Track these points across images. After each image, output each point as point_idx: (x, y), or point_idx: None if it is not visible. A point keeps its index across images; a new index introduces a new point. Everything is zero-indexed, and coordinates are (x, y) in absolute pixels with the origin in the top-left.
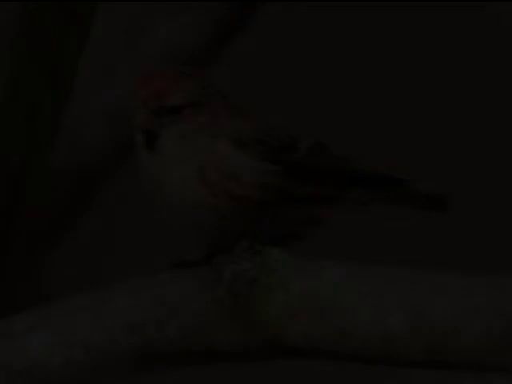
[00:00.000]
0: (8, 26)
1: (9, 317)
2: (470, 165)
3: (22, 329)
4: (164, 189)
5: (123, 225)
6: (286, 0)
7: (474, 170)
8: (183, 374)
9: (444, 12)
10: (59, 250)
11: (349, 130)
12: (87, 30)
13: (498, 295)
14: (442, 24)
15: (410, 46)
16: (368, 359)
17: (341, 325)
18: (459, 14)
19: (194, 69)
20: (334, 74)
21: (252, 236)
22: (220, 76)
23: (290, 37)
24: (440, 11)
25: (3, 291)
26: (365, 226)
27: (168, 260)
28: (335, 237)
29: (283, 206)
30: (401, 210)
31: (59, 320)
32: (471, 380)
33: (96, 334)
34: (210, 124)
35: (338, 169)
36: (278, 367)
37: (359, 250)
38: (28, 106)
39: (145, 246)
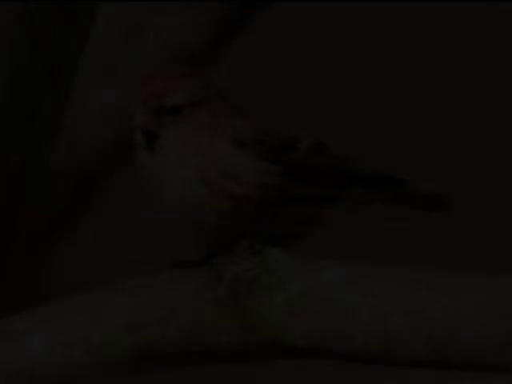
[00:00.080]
0: (8, 26)
1: (9, 317)
2: (469, 165)
3: (22, 329)
4: (164, 189)
5: (123, 225)
6: (286, 0)
7: (474, 169)
8: (183, 374)
9: (444, 12)
10: (59, 249)
11: (349, 130)
12: (87, 29)
13: (498, 295)
14: (442, 24)
15: (410, 46)
16: (368, 359)
17: (341, 325)
18: (459, 14)
19: (194, 69)
20: (334, 74)
21: (252, 236)
22: (220, 76)
23: (290, 37)
24: (440, 11)
25: (3, 291)
26: (365, 226)
27: (168, 260)
28: (335, 237)
29: (283, 206)
30: (401, 210)
31: (59, 320)
32: (471, 380)
33: (96, 334)
34: (210, 124)
35: (338, 169)
36: (277, 367)
37: (359, 250)
38: (28, 106)
39: (145, 246)
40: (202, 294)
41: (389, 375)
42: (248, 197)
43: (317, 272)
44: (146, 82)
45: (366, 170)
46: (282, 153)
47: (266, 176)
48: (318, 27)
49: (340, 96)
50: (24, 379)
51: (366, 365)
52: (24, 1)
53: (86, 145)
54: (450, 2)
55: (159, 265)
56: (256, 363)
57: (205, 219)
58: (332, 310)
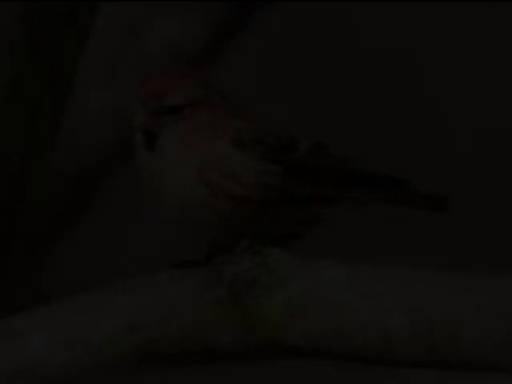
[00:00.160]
0: (8, 26)
1: (9, 317)
2: (469, 165)
3: (22, 329)
4: (164, 189)
5: (123, 225)
6: (286, 0)
7: (474, 169)
8: (183, 374)
9: (444, 12)
10: (59, 249)
11: (349, 130)
12: (87, 29)
13: (498, 295)
14: (442, 24)
15: (410, 46)
16: (368, 359)
17: (341, 325)
18: (459, 14)
19: (194, 69)
20: (334, 74)
21: (252, 236)
22: (220, 76)
23: (290, 37)
24: (440, 11)
25: (3, 291)
26: (365, 226)
27: (168, 260)
28: (335, 237)
29: (283, 205)
30: (401, 210)
31: (59, 320)
32: (471, 380)
33: (96, 334)
34: (210, 124)
35: (338, 169)
36: (277, 367)
37: (359, 250)
38: (28, 106)
39: (145, 246)
40: (202, 294)
41: (389, 375)
42: (248, 197)
43: (317, 272)
44: (146, 82)
45: (366, 170)
46: (282, 153)
47: (266, 176)
48: (318, 27)
49: (340, 96)
50: (24, 379)
51: (366, 365)
52: (24, 1)
53: (85, 145)
54: (450, 2)
55: (159, 265)
56: (256, 363)
57: (205, 219)
58: (332, 309)
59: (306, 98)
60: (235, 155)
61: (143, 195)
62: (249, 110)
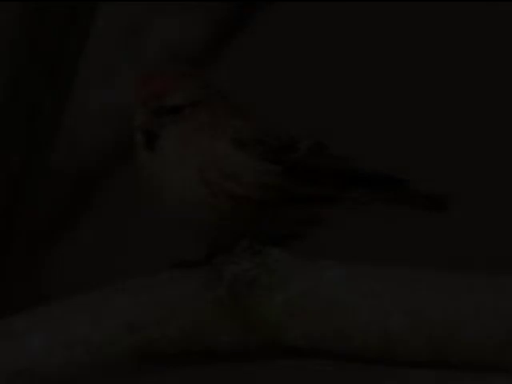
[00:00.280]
0: (8, 26)
1: (9, 317)
2: (470, 165)
3: (22, 329)
4: (164, 189)
5: (123, 225)
6: (286, 0)
7: (474, 169)
8: (183, 374)
9: (444, 12)
10: (59, 249)
11: (349, 130)
12: (87, 29)
13: (498, 295)
14: (442, 24)
15: (410, 46)
16: (368, 359)
17: (341, 325)
18: (459, 14)
19: (194, 69)
20: (334, 74)
21: (252, 236)
22: (220, 76)
23: (290, 37)
24: (440, 11)
25: (3, 291)
26: (365, 226)
27: (168, 260)
28: (335, 237)
29: (283, 206)
30: (401, 210)
31: (59, 320)
32: (471, 380)
33: (96, 334)
34: (210, 124)
35: (338, 169)
36: (277, 367)
37: (359, 249)
38: (28, 106)
39: (145, 246)
40: (202, 294)
41: (389, 375)
42: (248, 197)
43: (317, 272)
44: (146, 82)
45: (366, 170)
46: (282, 153)
47: (266, 176)
48: (318, 27)
49: (340, 96)
50: (24, 379)
51: (366, 365)
52: (24, 1)
53: (86, 145)
54: (450, 2)
55: (159, 265)
56: (256, 363)
57: (205, 219)
58: (332, 310)
59: (306, 98)
60: (235, 155)
61: (143, 195)
62: (249, 110)
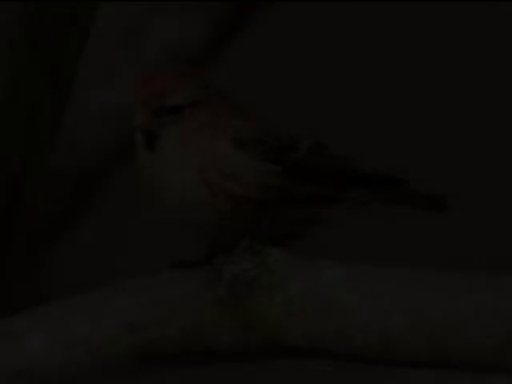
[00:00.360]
0: (8, 26)
1: (9, 317)
2: (470, 165)
3: (22, 329)
4: (164, 189)
5: (123, 225)
6: (286, 0)
7: (474, 169)
8: (183, 374)
9: (444, 12)
10: (59, 249)
11: (349, 130)
12: (87, 29)
13: (498, 295)
14: (442, 24)
15: (410, 46)
16: (368, 359)
17: (341, 325)
18: (459, 14)
19: (194, 69)
20: (334, 74)
21: (252, 236)
22: (220, 76)
23: (289, 37)
24: (440, 11)
25: (3, 291)
26: (365, 226)
27: (168, 260)
28: (335, 237)
29: (283, 205)
30: (401, 210)
31: (59, 320)
32: (471, 380)
33: (96, 334)
34: (210, 124)
35: (338, 169)
36: (278, 367)
37: (359, 249)
38: (28, 106)
39: (145, 246)
40: (202, 294)
41: (389, 375)
42: (248, 197)
43: (317, 272)
44: (146, 82)
45: (366, 170)
46: (282, 153)
47: (266, 176)
48: (318, 27)
49: (340, 96)
50: (24, 379)
51: (366, 365)
52: (24, 1)
53: (86, 145)
54: (450, 2)
55: (159, 265)
56: (256, 363)
57: (205, 219)
58: (332, 310)
59: (306, 98)
60: (235, 155)
61: (143, 195)
62: (249, 110)
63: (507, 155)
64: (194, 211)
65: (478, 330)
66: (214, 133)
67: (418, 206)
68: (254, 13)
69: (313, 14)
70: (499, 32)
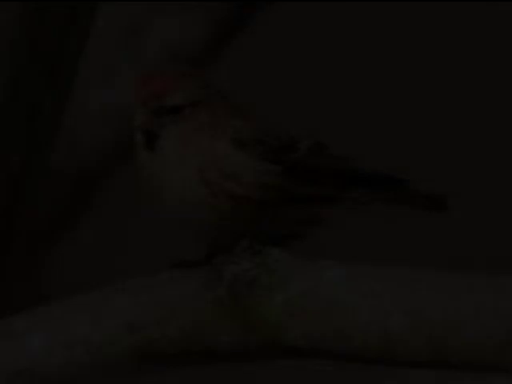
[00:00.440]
0: (8, 26)
1: (9, 317)
2: (470, 165)
3: (22, 329)
4: (164, 189)
5: (123, 225)
6: (286, 0)
7: (474, 169)
8: (183, 374)
9: (444, 12)
10: (59, 249)
11: (349, 130)
12: (87, 29)
13: (497, 295)
14: (442, 24)
15: (410, 46)
16: (368, 359)
17: (341, 325)
18: (459, 14)
19: (194, 69)
20: (334, 74)
21: (252, 236)
22: (220, 76)
23: (289, 37)
24: (440, 12)
25: (3, 291)
26: (365, 226)
27: (168, 260)
28: (335, 237)
29: (283, 205)
30: (401, 210)
31: (59, 320)
32: (471, 380)
33: (96, 334)
34: (210, 124)
35: (338, 169)
36: (278, 367)
37: (359, 249)
38: (28, 106)
39: (145, 246)
40: (202, 294)
41: (389, 375)
42: (248, 197)
43: (317, 272)
44: (146, 82)
45: (366, 170)
46: (282, 153)
47: (266, 176)
48: (318, 27)
49: (340, 96)
50: (24, 379)
51: (366, 365)
52: (24, 1)
53: (85, 145)
54: (450, 2)
55: (159, 265)
56: (256, 363)
57: (205, 219)
58: (332, 310)
59: (306, 98)
60: (235, 155)
61: (143, 195)
62: (249, 110)
63: (507, 155)
64: (194, 211)
65: (478, 330)
66: (213, 133)
67: (418, 206)
68: (254, 13)
69: (313, 14)
70: (499, 32)
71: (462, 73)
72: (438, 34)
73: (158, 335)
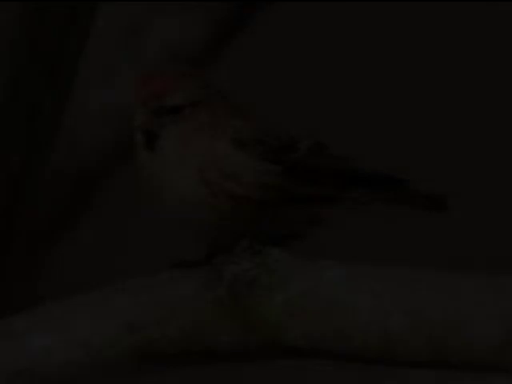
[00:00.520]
0: (8, 26)
1: (9, 317)
2: (470, 165)
3: (22, 329)
4: (164, 189)
5: (123, 225)
6: (286, 0)
7: (474, 169)
8: (183, 373)
9: (444, 12)
10: (59, 249)
11: (349, 130)
12: (87, 29)
13: (498, 295)
14: (442, 24)
15: (410, 47)
16: (368, 359)
17: (341, 325)
18: (459, 14)
19: (194, 69)
20: (334, 73)
21: (252, 236)
22: (220, 76)
23: (289, 37)
24: (440, 12)
25: (3, 291)
26: (365, 226)
27: (168, 260)
28: (335, 237)
29: (283, 205)
30: (401, 210)
31: (59, 320)
32: (471, 380)
33: (96, 334)
34: (210, 124)
35: (338, 169)
36: (278, 367)
37: (359, 249)
38: (28, 106)
39: (145, 246)
40: (202, 294)
41: (389, 375)
42: (248, 197)
43: (317, 272)
44: (146, 82)
45: (366, 170)
46: (282, 153)
47: (266, 176)
48: (318, 27)
49: (340, 96)
50: (24, 379)
51: (366, 365)
52: (24, 1)
53: (85, 145)
54: (450, 2)
55: (159, 265)
56: (256, 363)
57: (205, 219)
58: (332, 310)
59: (306, 98)
60: (235, 155)
61: (143, 195)
62: (249, 110)
63: (507, 155)
64: (194, 211)
65: (478, 330)
66: (214, 133)
67: (418, 206)
68: (254, 13)
69: (313, 14)
70: (499, 32)
71: (461, 73)
72: (437, 34)
73: (158, 335)
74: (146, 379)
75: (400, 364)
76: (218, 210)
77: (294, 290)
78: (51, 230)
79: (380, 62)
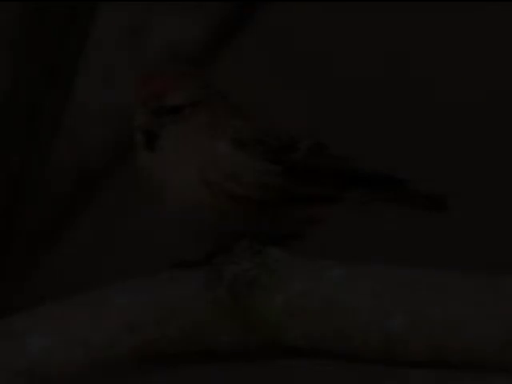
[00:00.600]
0: (8, 26)
1: (9, 317)
2: (470, 165)
3: (22, 329)
4: (164, 189)
5: (123, 225)
6: (286, 0)
7: (474, 169)
8: (183, 373)
9: (444, 12)
10: (59, 249)
11: (349, 129)
12: (87, 29)
13: (498, 295)
14: (442, 24)
15: (410, 47)
16: (368, 359)
17: (341, 325)
18: (459, 15)
19: (194, 69)
20: (334, 73)
21: (252, 236)
22: (220, 76)
23: (289, 37)
24: (440, 12)
25: (3, 291)
26: (365, 226)
27: (168, 260)
28: (335, 237)
29: (283, 206)
30: (401, 210)
31: (59, 320)
32: (471, 380)
33: (96, 334)
34: (210, 124)
35: (337, 169)
36: (277, 367)
37: (359, 250)
38: (28, 106)
39: (145, 246)
40: (202, 294)
41: (389, 375)
42: (248, 197)
43: (317, 272)
44: (146, 82)
45: (366, 170)
46: (282, 153)
47: (266, 176)
48: (318, 27)
49: (340, 96)
50: (24, 379)
51: (366, 365)
52: (24, 1)
53: (85, 145)
54: (450, 2)
55: (159, 265)
56: (256, 363)
57: (205, 219)
58: (332, 310)
59: (306, 98)
60: (235, 155)
61: (143, 195)
62: (249, 110)
63: (507, 155)
64: (194, 211)
65: (478, 330)
66: (213, 133)
67: (418, 206)
68: (254, 13)
69: (313, 14)
70: (499, 32)
71: (461, 73)
72: (438, 34)
73: (158, 335)
74: (146, 379)
75: (400, 364)
76: (218, 210)
77: (294, 290)
78: (51, 230)
79: (380, 62)
